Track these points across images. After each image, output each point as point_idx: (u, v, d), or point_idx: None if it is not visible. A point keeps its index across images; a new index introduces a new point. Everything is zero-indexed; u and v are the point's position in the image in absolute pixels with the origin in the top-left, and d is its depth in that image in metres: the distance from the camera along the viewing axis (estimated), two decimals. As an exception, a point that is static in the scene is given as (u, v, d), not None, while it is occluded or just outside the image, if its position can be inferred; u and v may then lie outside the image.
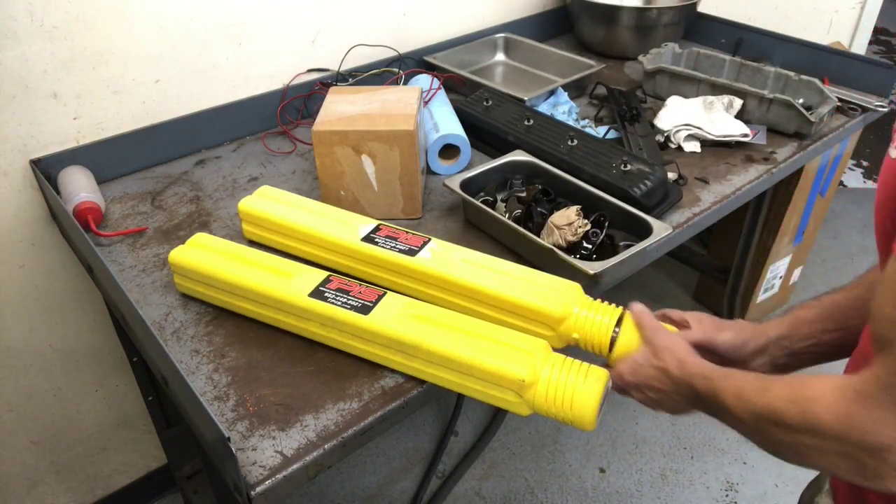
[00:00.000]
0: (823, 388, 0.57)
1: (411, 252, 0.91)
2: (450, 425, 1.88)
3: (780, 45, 1.61)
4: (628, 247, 0.96)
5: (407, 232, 0.94)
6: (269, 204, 1.02)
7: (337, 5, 1.40)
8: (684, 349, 0.75)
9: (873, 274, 0.80)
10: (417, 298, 0.86)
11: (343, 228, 0.96)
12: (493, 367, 0.75)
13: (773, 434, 0.61)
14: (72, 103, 1.15)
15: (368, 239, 0.93)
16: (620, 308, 0.83)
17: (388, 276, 0.93)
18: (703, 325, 0.83)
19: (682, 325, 0.86)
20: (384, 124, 1.04)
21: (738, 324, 0.83)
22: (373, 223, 0.97)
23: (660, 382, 0.74)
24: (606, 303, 0.84)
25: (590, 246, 1.00)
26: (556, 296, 0.84)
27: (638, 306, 0.81)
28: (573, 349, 0.84)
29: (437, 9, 1.59)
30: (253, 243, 1.04)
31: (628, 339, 0.81)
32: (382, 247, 0.92)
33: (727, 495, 1.75)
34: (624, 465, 1.83)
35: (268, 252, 0.94)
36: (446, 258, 0.90)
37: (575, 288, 0.86)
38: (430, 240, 0.93)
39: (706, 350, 0.81)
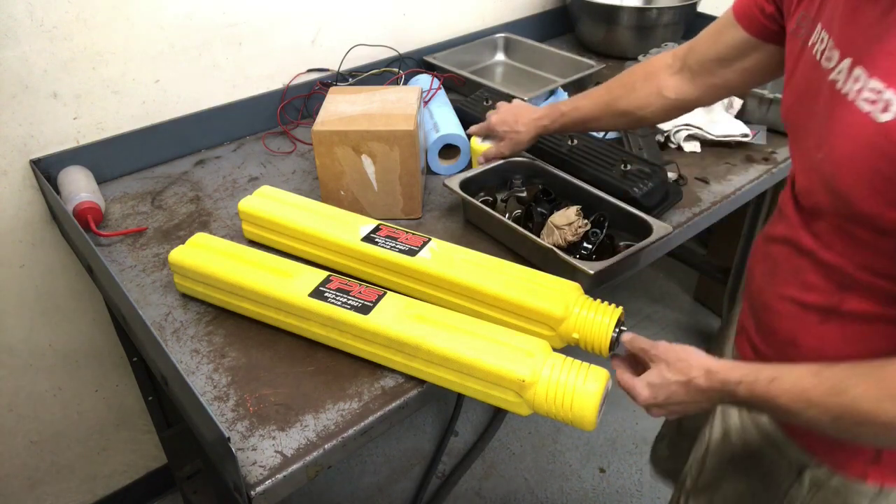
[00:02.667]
0: None
1: (411, 252, 0.91)
2: (450, 425, 1.88)
3: (780, 45, 1.61)
4: (628, 247, 0.96)
5: (407, 232, 0.94)
6: (269, 204, 1.02)
7: (337, 5, 1.40)
8: (702, 356, 0.73)
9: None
10: (418, 298, 0.86)
11: (343, 228, 0.96)
12: (494, 367, 0.75)
13: (862, 431, 0.60)
14: (72, 103, 1.15)
15: (368, 239, 0.93)
16: (620, 308, 0.83)
17: (388, 276, 0.93)
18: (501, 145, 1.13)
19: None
20: (384, 124, 1.04)
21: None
22: (373, 223, 0.97)
23: (685, 395, 0.72)
24: (606, 303, 0.84)
25: (590, 246, 1.00)
26: (557, 296, 0.84)
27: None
28: (573, 349, 0.84)
29: (437, 9, 1.59)
30: (253, 243, 1.04)
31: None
32: (382, 247, 0.92)
33: (727, 495, 1.75)
34: (624, 465, 1.83)
35: (268, 252, 0.94)
36: (446, 258, 0.90)
37: (575, 288, 0.86)
38: (429, 240, 0.93)
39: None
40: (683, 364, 0.72)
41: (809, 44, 0.69)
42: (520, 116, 1.10)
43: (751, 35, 0.81)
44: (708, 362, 0.71)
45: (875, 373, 0.60)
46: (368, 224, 0.96)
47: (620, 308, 0.83)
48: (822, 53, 0.66)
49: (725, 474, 0.91)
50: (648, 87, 0.93)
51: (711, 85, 0.89)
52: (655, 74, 0.93)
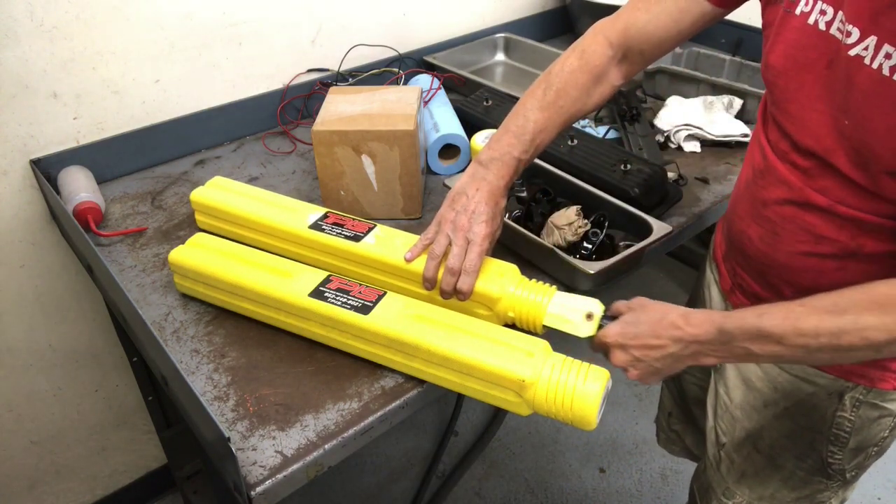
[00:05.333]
0: None
1: (356, 238, 0.92)
2: (450, 425, 1.88)
3: (780, 45, 1.61)
4: (628, 247, 0.96)
5: (353, 219, 0.96)
6: (221, 194, 1.02)
7: (337, 5, 1.40)
8: (681, 307, 0.77)
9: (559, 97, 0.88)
10: (364, 283, 0.87)
11: (291, 216, 0.97)
12: (494, 367, 0.75)
13: (859, 350, 0.64)
14: (72, 103, 1.15)
15: (316, 226, 0.94)
16: (554, 287, 0.85)
17: (334, 262, 0.94)
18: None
19: None
20: (384, 124, 1.04)
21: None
22: (321, 211, 0.98)
23: (654, 334, 0.74)
24: (542, 283, 0.86)
25: (590, 246, 1.00)
26: (492, 276, 0.85)
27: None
28: (574, 349, 0.84)
29: (437, 9, 1.59)
30: (210, 234, 1.03)
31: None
32: (329, 233, 0.93)
33: (727, 495, 1.75)
34: (624, 465, 1.83)
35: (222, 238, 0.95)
36: (389, 242, 0.91)
37: (511, 269, 0.87)
38: (375, 226, 0.94)
39: None
40: (659, 306, 0.77)
41: (797, 12, 0.71)
42: (477, 205, 0.84)
43: (718, 6, 0.84)
44: (686, 308, 0.75)
45: (871, 292, 0.63)
46: (316, 212, 0.97)
47: (554, 287, 0.85)
48: (828, 25, 0.68)
49: (763, 420, 0.94)
50: (602, 89, 0.90)
51: (653, 58, 0.91)
52: (604, 73, 0.89)
